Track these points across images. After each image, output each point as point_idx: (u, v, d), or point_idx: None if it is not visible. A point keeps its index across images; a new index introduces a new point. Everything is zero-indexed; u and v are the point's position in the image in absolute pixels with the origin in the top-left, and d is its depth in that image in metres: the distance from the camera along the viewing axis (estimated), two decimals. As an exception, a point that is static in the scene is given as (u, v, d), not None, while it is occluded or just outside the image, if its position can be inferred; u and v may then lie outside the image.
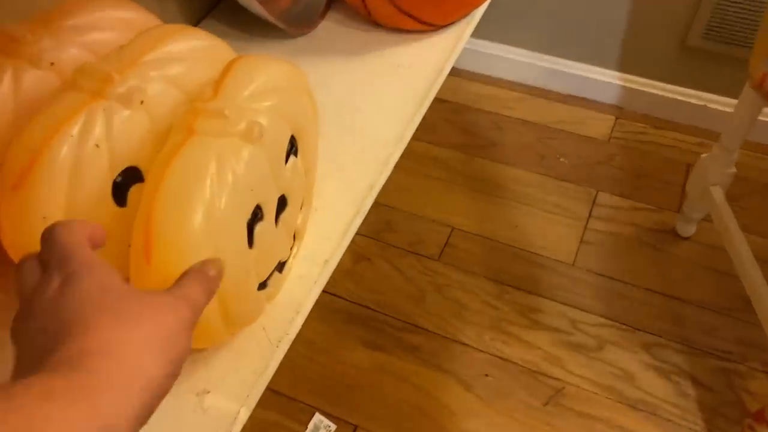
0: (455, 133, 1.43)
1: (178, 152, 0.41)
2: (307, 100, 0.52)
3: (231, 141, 0.42)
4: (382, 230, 1.25)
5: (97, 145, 0.45)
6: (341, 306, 1.13)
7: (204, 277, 0.35)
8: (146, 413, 0.23)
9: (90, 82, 0.44)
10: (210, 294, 0.35)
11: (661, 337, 1.09)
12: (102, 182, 0.45)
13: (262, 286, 0.51)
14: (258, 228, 0.45)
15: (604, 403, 1.01)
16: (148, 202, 0.40)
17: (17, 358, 0.27)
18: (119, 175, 0.46)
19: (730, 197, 1.10)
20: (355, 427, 0.99)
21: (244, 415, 0.50)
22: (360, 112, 0.71)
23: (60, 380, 0.20)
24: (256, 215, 0.45)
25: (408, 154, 1.43)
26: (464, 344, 1.08)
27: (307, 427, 0.99)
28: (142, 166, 0.47)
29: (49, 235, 0.31)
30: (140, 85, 0.46)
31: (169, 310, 0.25)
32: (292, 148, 0.50)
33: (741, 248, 1.02)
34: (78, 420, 0.19)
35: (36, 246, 0.33)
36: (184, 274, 0.35)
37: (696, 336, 1.08)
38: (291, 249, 0.55)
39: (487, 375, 1.04)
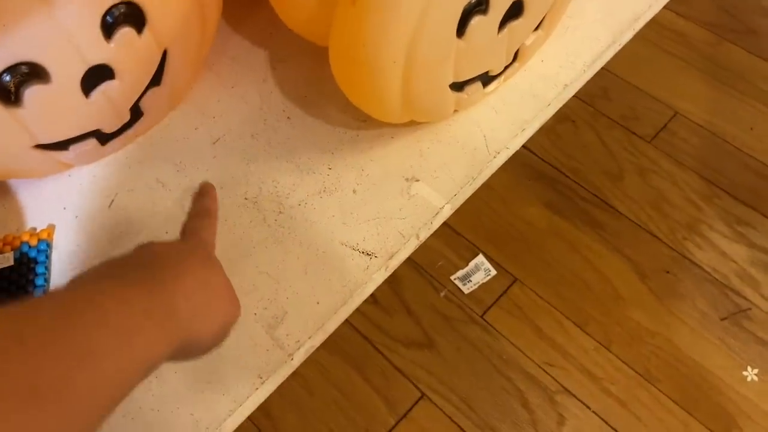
0: (711, 11, 1.24)
1: None
2: None
3: None
4: (596, 95, 1.15)
5: None
6: (531, 161, 1.09)
7: (203, 213, 0.43)
8: (198, 291, 0.34)
9: None
10: (213, 221, 0.43)
11: None
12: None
13: (458, 87, 0.47)
14: (475, 20, 0.40)
15: (792, 340, 0.91)
16: None
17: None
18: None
19: None
20: (515, 279, 0.98)
21: (447, 212, 0.50)
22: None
23: (140, 283, 0.32)
24: (480, 4, 0.40)
25: (649, 22, 1.27)
26: (653, 235, 1.00)
27: (467, 264, 1.00)
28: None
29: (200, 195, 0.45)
30: None
31: (196, 254, 0.37)
32: None
33: None
34: (154, 299, 0.30)
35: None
36: (191, 218, 0.42)
37: None
38: (507, 67, 0.50)
39: (668, 272, 0.97)
